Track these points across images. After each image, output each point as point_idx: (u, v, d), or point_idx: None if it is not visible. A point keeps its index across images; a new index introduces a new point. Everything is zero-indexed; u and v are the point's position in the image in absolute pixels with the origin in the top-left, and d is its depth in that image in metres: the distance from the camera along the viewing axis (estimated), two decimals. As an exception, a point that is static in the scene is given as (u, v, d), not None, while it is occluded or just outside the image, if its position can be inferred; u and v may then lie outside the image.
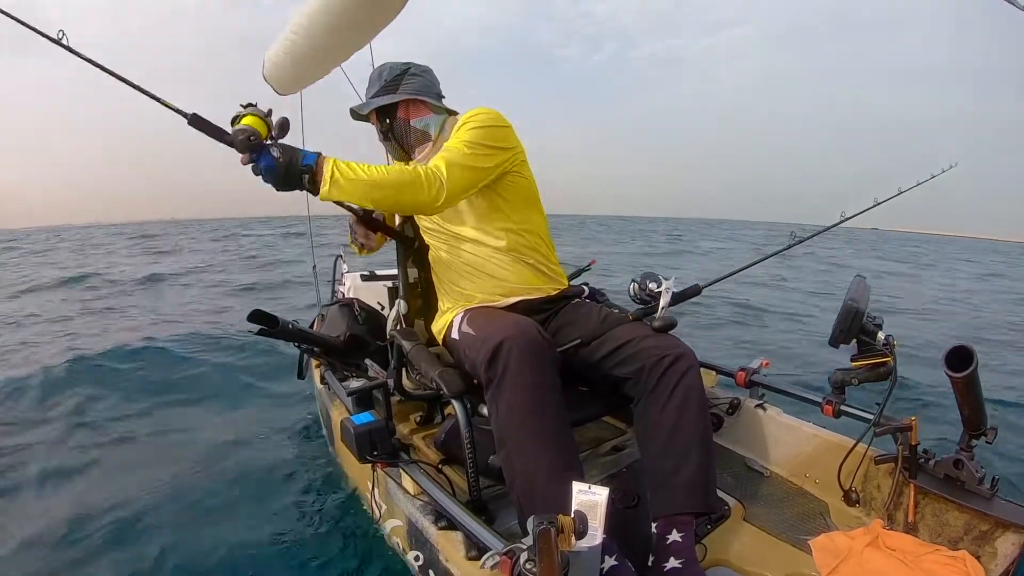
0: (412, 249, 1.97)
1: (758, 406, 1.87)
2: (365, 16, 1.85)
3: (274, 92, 2.41)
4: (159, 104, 1.45)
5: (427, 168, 1.44)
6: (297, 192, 1.36)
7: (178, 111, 1.42)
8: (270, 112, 1.38)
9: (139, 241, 23.13)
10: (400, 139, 1.75)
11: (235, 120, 1.34)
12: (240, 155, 1.30)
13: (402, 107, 1.71)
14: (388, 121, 1.72)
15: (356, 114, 1.79)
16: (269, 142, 1.32)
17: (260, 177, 1.32)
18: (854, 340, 1.53)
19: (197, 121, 1.37)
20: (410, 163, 1.78)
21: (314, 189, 1.35)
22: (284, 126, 1.39)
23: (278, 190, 1.33)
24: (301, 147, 1.35)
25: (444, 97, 1.76)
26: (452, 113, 1.75)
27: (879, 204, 2.23)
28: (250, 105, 1.37)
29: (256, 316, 1.83)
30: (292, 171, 1.31)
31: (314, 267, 3.63)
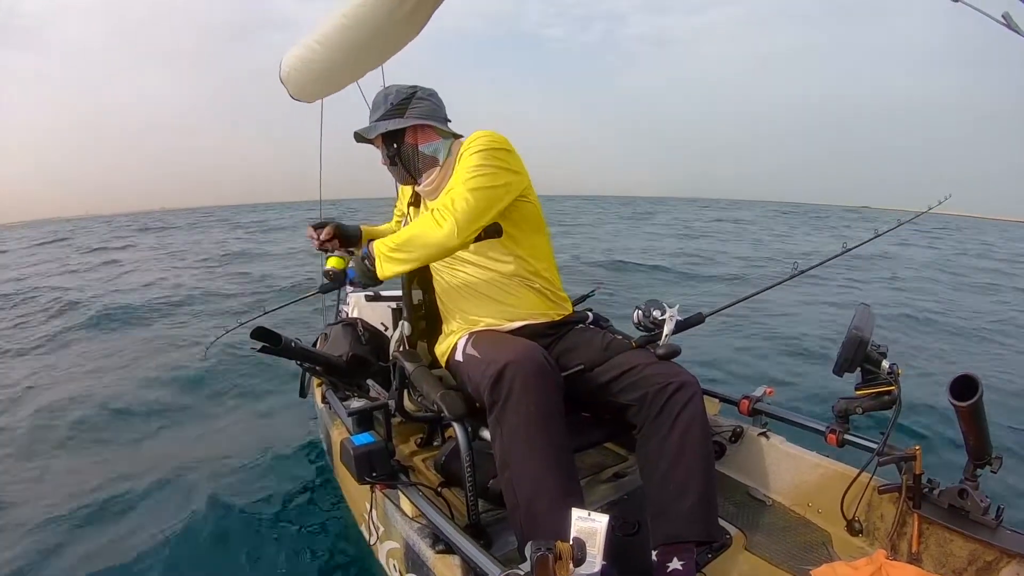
0: (417, 271, 1.97)
1: (761, 434, 1.86)
2: (387, 34, 1.88)
3: (289, 95, 2.46)
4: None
5: (437, 209, 1.49)
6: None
7: (310, 295, 1.98)
8: (335, 234, 1.85)
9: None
10: (407, 164, 1.72)
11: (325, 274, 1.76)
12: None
13: (410, 132, 1.68)
14: (396, 146, 1.69)
15: (361, 137, 1.76)
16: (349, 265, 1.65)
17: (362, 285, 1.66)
18: (858, 369, 1.53)
19: (327, 288, 2.06)
20: (417, 187, 1.79)
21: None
22: (328, 238, 1.85)
23: (372, 285, 1.63)
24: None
25: (450, 121, 1.76)
26: (457, 137, 1.76)
27: (879, 236, 2.24)
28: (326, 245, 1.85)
29: (259, 333, 1.83)
30: (362, 268, 1.58)
31: (321, 286, 3.65)
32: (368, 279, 1.59)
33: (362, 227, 1.96)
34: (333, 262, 1.71)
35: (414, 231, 1.51)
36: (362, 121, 1.73)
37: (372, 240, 1.59)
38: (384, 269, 1.53)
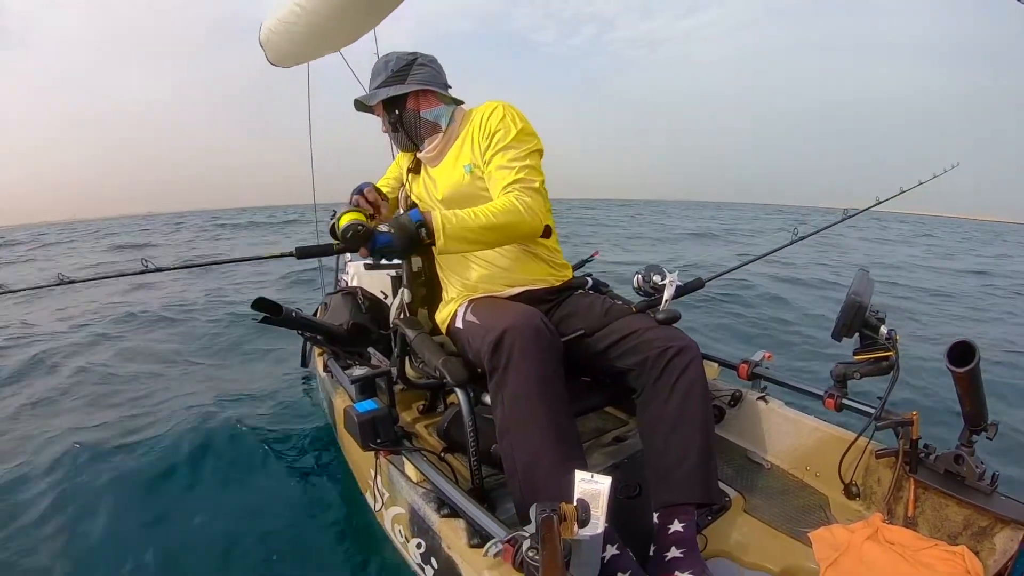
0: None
1: (760, 398, 1.88)
2: (363, 9, 1.84)
3: (267, 60, 2.41)
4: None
5: (521, 200, 1.49)
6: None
7: (284, 255, 1.61)
8: (355, 201, 1.58)
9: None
10: (409, 130, 1.71)
11: (334, 226, 1.50)
12: (360, 251, 1.43)
13: (412, 98, 1.67)
14: (397, 112, 1.69)
15: (361, 105, 1.75)
16: (374, 225, 1.43)
17: (379, 255, 1.45)
18: (856, 334, 1.53)
19: (303, 251, 1.56)
20: (419, 153, 1.78)
21: (432, 241, 1.42)
22: (372, 200, 1.67)
23: (402, 258, 1.51)
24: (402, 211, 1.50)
25: (451, 87, 1.74)
26: (459, 103, 1.74)
27: (881, 203, 2.24)
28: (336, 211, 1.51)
29: (260, 304, 1.83)
30: (407, 233, 1.39)
31: (320, 263, 3.65)
32: (409, 249, 1.42)
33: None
34: (352, 216, 1.44)
35: (509, 220, 1.48)
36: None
37: (419, 209, 1.50)
38: (448, 245, 1.43)
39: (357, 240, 1.40)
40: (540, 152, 1.62)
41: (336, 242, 1.49)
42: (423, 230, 1.40)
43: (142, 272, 1.66)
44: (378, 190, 1.76)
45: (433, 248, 1.44)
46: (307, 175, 3.58)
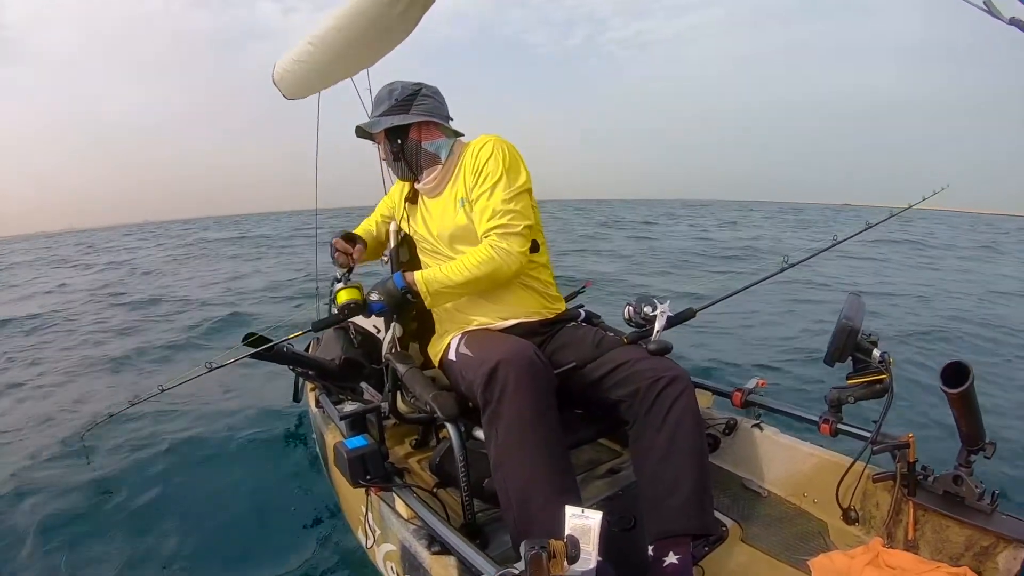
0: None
1: (755, 426, 1.86)
2: (379, 35, 1.90)
3: (282, 95, 2.49)
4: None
5: (495, 247, 1.56)
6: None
7: (301, 333, 1.92)
8: (346, 276, 1.74)
9: None
10: (410, 160, 1.73)
11: (332, 302, 1.78)
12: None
13: (415, 128, 1.69)
14: (399, 142, 1.70)
15: (362, 132, 1.76)
16: (368, 296, 1.65)
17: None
18: (849, 358, 1.53)
19: (318, 325, 1.81)
20: (417, 183, 1.80)
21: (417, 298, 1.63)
22: (343, 249, 1.83)
23: (395, 314, 1.74)
24: (391, 274, 1.66)
25: (452, 119, 1.76)
26: (459, 135, 1.76)
27: (871, 227, 2.25)
28: (338, 281, 1.71)
29: (251, 339, 1.82)
30: (395, 300, 1.62)
31: (316, 288, 3.66)
32: (401, 309, 1.68)
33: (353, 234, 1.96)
34: (349, 294, 1.64)
35: (486, 270, 1.57)
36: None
37: (408, 273, 1.63)
38: (439, 301, 1.67)
39: (356, 312, 1.64)
40: (528, 191, 1.64)
41: (341, 317, 1.70)
42: (408, 295, 1.61)
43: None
44: (348, 236, 1.87)
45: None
46: (303, 179, 3.64)
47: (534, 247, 1.67)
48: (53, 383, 4.57)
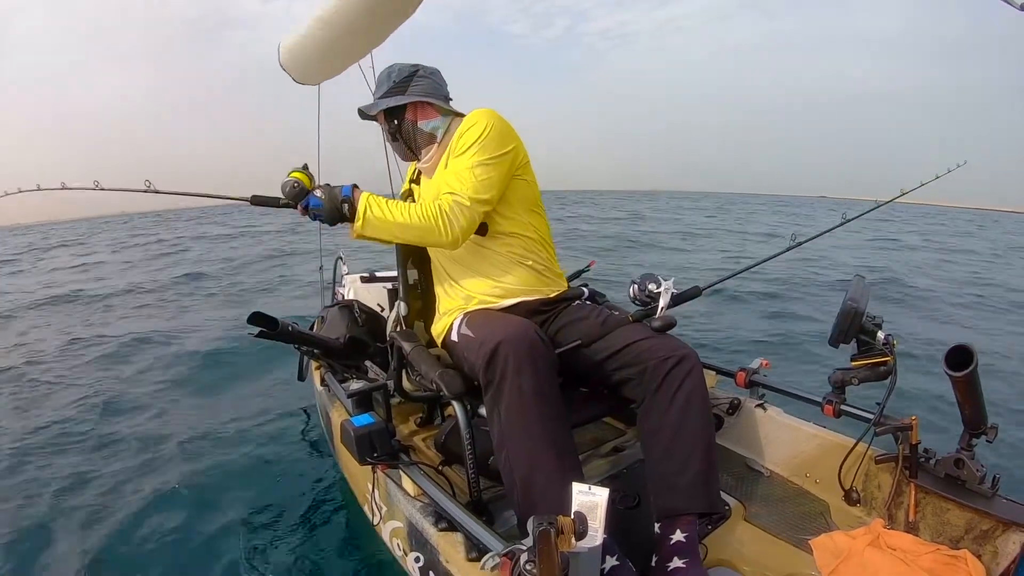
0: (412, 250, 1.96)
1: (758, 406, 1.87)
2: (383, 15, 1.89)
3: (292, 80, 2.47)
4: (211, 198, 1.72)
5: (443, 211, 1.51)
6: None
7: (238, 199, 1.66)
8: (306, 166, 1.59)
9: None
10: (408, 140, 1.75)
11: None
12: (298, 208, 1.53)
13: (410, 109, 1.70)
14: (396, 122, 1.72)
15: (364, 114, 1.79)
16: (313, 190, 1.53)
17: (315, 219, 1.55)
18: (854, 340, 1.53)
19: (257, 200, 1.63)
20: (418, 163, 1.81)
21: (352, 220, 1.52)
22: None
23: (331, 225, 1.55)
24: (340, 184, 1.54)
25: (452, 99, 1.76)
26: (459, 115, 1.75)
27: (880, 206, 2.25)
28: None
29: (256, 318, 1.82)
30: (333, 204, 1.50)
31: (320, 268, 3.66)
32: (329, 221, 1.53)
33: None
34: (299, 176, 1.54)
35: (417, 223, 1.50)
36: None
37: (360, 189, 1.54)
38: (364, 229, 1.51)
39: (293, 193, 1.52)
40: (506, 162, 1.59)
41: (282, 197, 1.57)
42: (346, 206, 1.50)
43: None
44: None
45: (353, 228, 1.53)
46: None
47: (482, 229, 1.64)
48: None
